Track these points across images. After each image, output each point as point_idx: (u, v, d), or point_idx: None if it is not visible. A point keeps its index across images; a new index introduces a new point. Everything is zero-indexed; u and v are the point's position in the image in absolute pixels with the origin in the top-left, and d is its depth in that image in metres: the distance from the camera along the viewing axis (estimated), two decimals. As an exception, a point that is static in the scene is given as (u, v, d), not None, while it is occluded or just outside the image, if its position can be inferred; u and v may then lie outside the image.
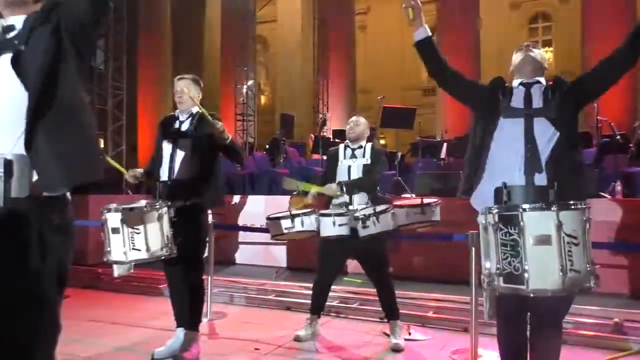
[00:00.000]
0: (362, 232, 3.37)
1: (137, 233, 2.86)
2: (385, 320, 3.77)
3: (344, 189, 3.59)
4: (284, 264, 6.36)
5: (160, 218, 2.92)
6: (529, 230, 1.86)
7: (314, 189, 3.69)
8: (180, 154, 3.25)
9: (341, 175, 3.71)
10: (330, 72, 15.25)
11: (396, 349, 3.53)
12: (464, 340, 3.63)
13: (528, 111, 2.27)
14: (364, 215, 3.37)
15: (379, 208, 3.41)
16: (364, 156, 3.72)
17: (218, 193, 3.37)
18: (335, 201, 3.67)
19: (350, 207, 3.54)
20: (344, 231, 3.45)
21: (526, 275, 1.84)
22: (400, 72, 20.89)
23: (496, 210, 1.97)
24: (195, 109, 3.35)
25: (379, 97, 7.13)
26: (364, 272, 3.93)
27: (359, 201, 3.59)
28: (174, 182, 3.21)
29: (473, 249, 3.23)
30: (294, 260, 6.30)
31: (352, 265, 3.80)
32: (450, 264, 4.75)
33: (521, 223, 1.87)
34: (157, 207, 2.96)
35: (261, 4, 18.02)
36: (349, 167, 3.71)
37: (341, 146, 3.86)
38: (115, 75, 13.33)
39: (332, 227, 3.46)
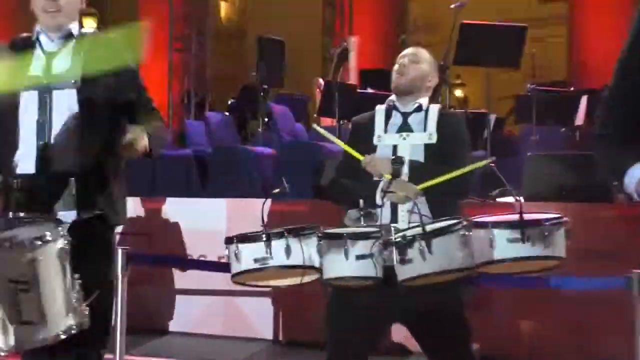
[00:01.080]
0: (402, 273, 3.29)
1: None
2: None
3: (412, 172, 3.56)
4: (267, 335, 6.35)
5: (61, 257, 2.94)
6: None
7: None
8: (58, 120, 3.30)
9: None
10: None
11: None
12: None
13: None
14: (404, 238, 3.30)
15: (435, 225, 3.34)
16: (425, 129, 3.71)
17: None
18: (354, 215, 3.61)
19: (384, 223, 3.48)
20: (369, 270, 3.36)
21: None
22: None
23: None
24: (75, 28, 3.42)
25: (453, 5, 7.09)
26: (423, 352, 3.90)
27: (410, 215, 3.54)
28: (52, 175, 3.26)
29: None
30: (287, 330, 6.30)
31: (399, 335, 3.74)
32: (592, 333, 4.73)
33: None
34: (49, 236, 2.97)
35: None
36: (395, 148, 3.68)
37: (380, 108, 3.84)
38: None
39: (343, 261, 3.37)
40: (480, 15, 8.72)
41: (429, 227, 3.25)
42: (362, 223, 3.50)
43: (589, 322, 4.96)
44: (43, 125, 3.28)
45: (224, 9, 22.29)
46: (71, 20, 3.43)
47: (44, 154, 3.26)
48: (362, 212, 3.52)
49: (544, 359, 5.30)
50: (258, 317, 6.37)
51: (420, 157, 3.63)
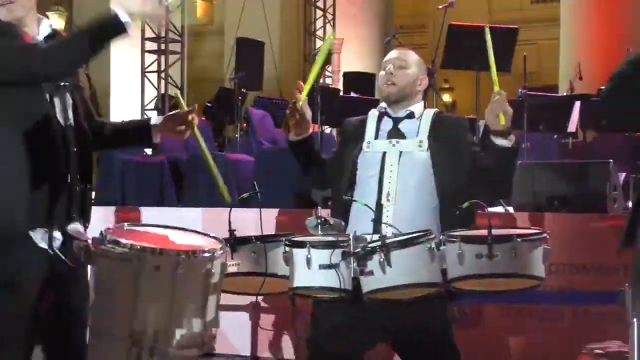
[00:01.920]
0: (365, 285, 3.27)
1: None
2: None
3: None
4: (244, 352, 6.35)
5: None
6: None
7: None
8: None
9: (363, 172, 3.67)
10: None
11: None
12: None
13: None
14: (363, 249, 3.27)
15: (399, 237, 3.32)
16: (417, 134, 3.71)
17: None
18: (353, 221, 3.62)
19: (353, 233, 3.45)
20: (333, 281, 3.32)
21: None
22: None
23: None
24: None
25: (441, 6, 7.16)
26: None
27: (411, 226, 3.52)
28: None
29: (635, 321, 3.21)
30: (265, 346, 6.30)
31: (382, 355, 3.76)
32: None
33: None
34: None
35: None
36: (384, 156, 3.70)
37: (373, 113, 3.83)
38: None
39: (305, 269, 3.36)
40: (470, 16, 8.76)
41: (390, 239, 3.24)
42: (319, 232, 3.50)
43: (583, 337, 4.97)
44: None
45: (200, 7, 22.25)
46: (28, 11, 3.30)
47: None
48: (319, 220, 3.52)
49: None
50: (236, 333, 6.37)
51: (409, 166, 3.63)
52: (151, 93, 13.92)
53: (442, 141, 3.64)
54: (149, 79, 13.84)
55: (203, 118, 10.53)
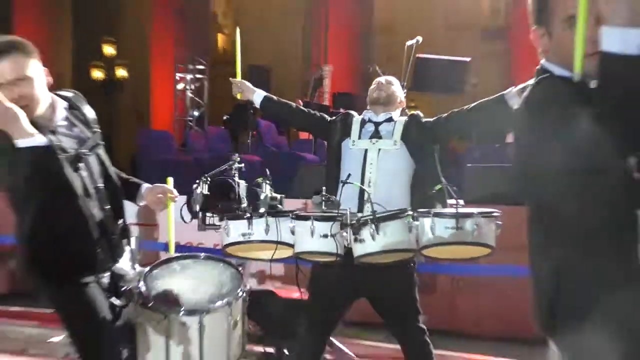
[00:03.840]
0: (356, 251, 3.31)
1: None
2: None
3: None
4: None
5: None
6: None
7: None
8: None
9: (350, 165, 3.71)
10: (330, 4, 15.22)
11: None
12: None
13: None
14: (357, 221, 3.32)
15: (383, 213, 3.37)
16: (392, 135, 3.72)
17: None
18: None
19: (344, 209, 3.48)
20: (328, 246, 3.33)
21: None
22: (443, 3, 20.85)
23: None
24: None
25: (409, 42, 7.12)
26: (385, 324, 3.93)
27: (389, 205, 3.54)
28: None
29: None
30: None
31: (363, 310, 3.78)
32: (519, 312, 4.78)
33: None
34: None
35: None
36: (365, 152, 3.70)
37: (357, 119, 3.85)
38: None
39: (309, 238, 3.39)
40: (433, 50, 8.74)
41: (380, 214, 3.31)
42: (323, 207, 3.50)
43: (518, 304, 5.00)
44: None
45: (220, 40, 22.23)
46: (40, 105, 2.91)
47: None
48: (323, 198, 3.52)
49: (474, 329, 5.33)
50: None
51: (387, 161, 3.68)
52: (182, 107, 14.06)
53: (411, 141, 3.69)
54: (180, 96, 13.92)
55: (222, 127, 10.52)
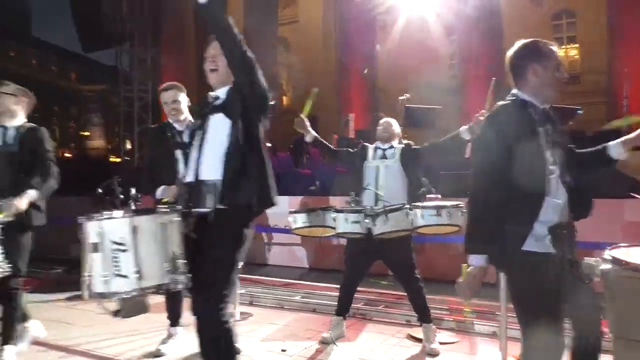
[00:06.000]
0: (375, 231, 3.38)
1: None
2: (418, 324, 3.69)
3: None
4: (307, 264, 6.34)
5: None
6: None
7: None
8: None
9: (368, 176, 3.69)
10: (352, 72, 15.20)
11: (432, 354, 3.47)
12: (490, 346, 3.57)
13: None
14: (374, 213, 3.36)
15: (390, 207, 3.39)
16: (394, 157, 3.70)
17: None
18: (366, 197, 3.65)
19: (365, 205, 3.57)
20: (357, 228, 3.46)
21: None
22: (421, 71, 20.64)
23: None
24: (190, 117, 3.50)
25: (401, 97, 7.05)
26: (392, 273, 3.90)
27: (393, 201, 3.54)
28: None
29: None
30: (317, 262, 6.28)
31: (379, 266, 3.77)
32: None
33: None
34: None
35: (282, 4, 18.04)
36: (377, 167, 3.69)
37: (370, 146, 3.83)
38: (141, 79, 13.51)
39: (345, 223, 3.49)
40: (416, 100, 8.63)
41: (388, 207, 3.42)
42: (352, 205, 3.65)
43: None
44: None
45: (284, 99, 22.35)
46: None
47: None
48: (352, 199, 3.67)
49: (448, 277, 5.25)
50: (302, 255, 6.38)
51: (391, 173, 3.66)
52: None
53: (405, 161, 3.67)
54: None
55: (288, 153, 10.49)
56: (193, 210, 2.19)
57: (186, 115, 3.50)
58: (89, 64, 35.08)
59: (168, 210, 2.11)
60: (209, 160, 2.21)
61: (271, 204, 2.27)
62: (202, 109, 2.36)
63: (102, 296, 2.01)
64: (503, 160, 1.93)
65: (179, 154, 3.36)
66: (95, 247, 1.99)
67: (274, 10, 15.51)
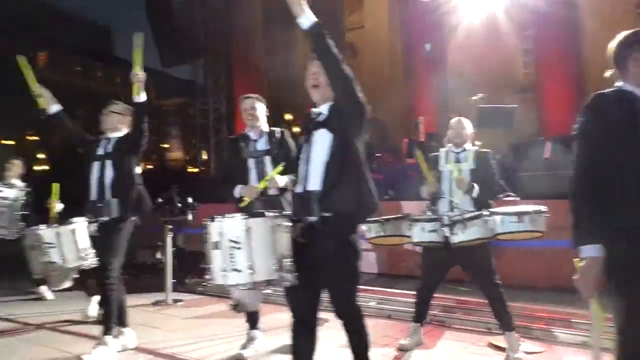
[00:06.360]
0: (453, 239, 3.27)
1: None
2: (500, 332, 3.53)
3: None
4: (378, 270, 6.29)
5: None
6: None
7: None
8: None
9: (443, 180, 3.60)
10: (418, 74, 14.95)
11: (517, 364, 3.30)
12: (578, 356, 3.36)
13: None
14: (451, 221, 3.26)
15: (468, 214, 3.26)
16: (467, 160, 3.59)
17: None
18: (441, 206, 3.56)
19: (441, 213, 3.46)
20: (434, 237, 3.38)
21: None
22: (492, 71, 19.96)
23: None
24: (265, 127, 3.58)
25: (474, 97, 6.82)
26: (471, 279, 3.78)
27: (465, 207, 3.44)
28: None
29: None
30: (388, 267, 6.22)
31: (456, 271, 3.67)
32: (560, 271, 4.46)
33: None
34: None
35: (349, 10, 18.09)
36: (451, 171, 3.58)
37: (442, 150, 3.74)
38: (216, 92, 14.03)
39: (421, 232, 3.41)
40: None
41: (467, 215, 3.29)
42: (428, 213, 3.55)
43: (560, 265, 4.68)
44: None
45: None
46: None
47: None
48: (428, 207, 3.60)
49: (530, 284, 5.02)
50: (373, 261, 6.32)
51: (466, 175, 3.55)
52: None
53: (478, 165, 3.59)
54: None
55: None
56: (302, 217, 2.35)
57: (262, 124, 3.58)
58: (167, 79, 36.77)
59: (278, 215, 2.33)
60: (315, 172, 2.35)
61: (374, 208, 2.37)
62: (307, 125, 2.49)
63: (221, 288, 2.31)
64: (609, 150, 1.82)
65: (251, 162, 3.46)
66: (216, 245, 2.25)
67: (341, 17, 15.58)
